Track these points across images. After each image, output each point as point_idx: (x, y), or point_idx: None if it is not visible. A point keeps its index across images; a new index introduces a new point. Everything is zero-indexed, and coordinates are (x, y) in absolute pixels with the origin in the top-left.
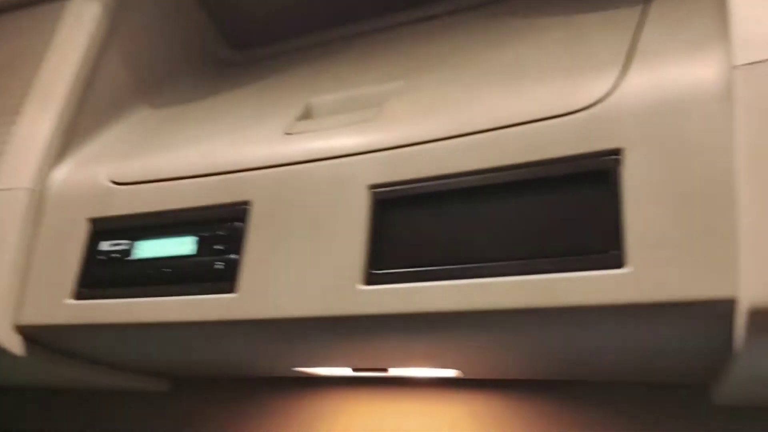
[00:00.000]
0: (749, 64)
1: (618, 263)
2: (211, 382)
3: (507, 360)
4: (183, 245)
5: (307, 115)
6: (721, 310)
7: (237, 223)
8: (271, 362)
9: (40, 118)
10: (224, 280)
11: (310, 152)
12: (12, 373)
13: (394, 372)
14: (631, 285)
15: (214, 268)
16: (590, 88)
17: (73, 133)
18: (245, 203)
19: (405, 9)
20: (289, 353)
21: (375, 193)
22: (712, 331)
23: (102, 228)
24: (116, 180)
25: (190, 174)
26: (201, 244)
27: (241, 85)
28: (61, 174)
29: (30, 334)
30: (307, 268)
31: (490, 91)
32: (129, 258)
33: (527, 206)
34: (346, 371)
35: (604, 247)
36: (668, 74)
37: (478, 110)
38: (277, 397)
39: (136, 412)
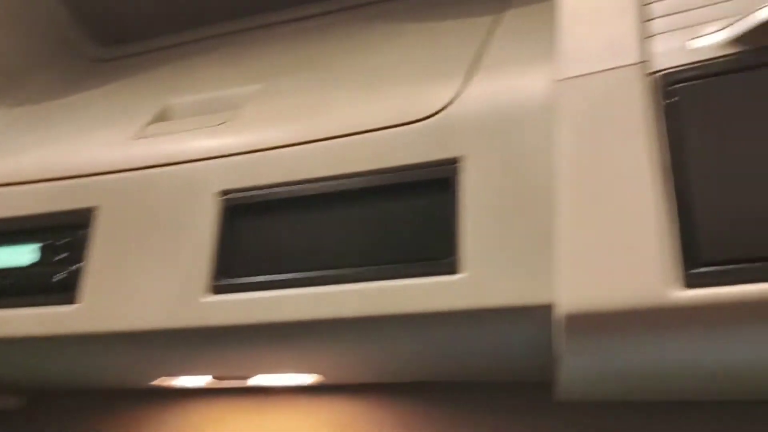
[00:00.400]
0: (569, 78)
1: (453, 270)
2: (69, 396)
3: (365, 364)
4: (24, 254)
5: (162, 117)
6: (543, 315)
7: (81, 231)
8: (126, 374)
9: None
10: (66, 291)
11: (160, 156)
12: None
13: (254, 381)
14: (464, 291)
15: (56, 278)
16: (434, 97)
17: None
18: (90, 209)
19: (273, 10)
20: (142, 365)
21: (225, 199)
22: (543, 333)
23: None
24: None
25: (34, 178)
26: (43, 253)
27: (103, 83)
28: None
29: None
30: (152, 278)
31: (345, 98)
32: None
33: (373, 214)
34: (206, 380)
35: (442, 254)
36: (506, 85)
37: (330, 117)
38: (138, 409)
39: None
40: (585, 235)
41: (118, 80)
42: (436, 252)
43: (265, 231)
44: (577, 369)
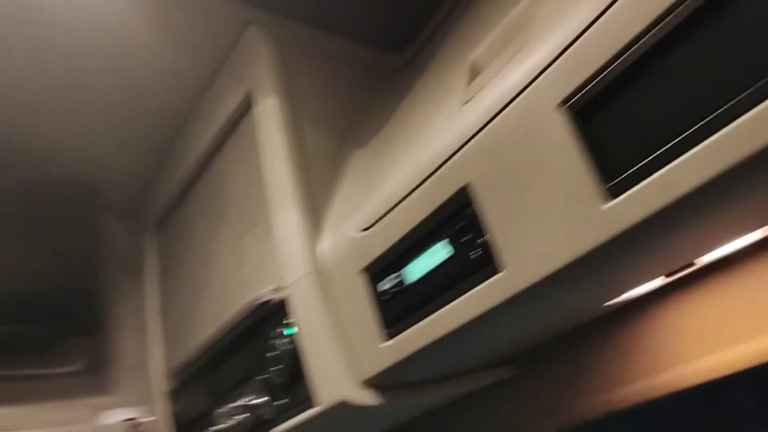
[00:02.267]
0: None
1: None
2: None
3: None
4: (438, 254)
5: (474, 74)
6: None
7: (468, 209)
8: (572, 314)
9: (287, 216)
10: (486, 265)
11: (489, 110)
12: (376, 424)
13: (704, 260)
14: None
15: (473, 258)
16: None
17: (316, 213)
18: (465, 187)
19: None
20: (582, 297)
21: (570, 106)
22: None
23: (374, 272)
24: (362, 228)
25: (411, 188)
26: (451, 244)
27: (409, 84)
28: (325, 247)
29: (374, 383)
30: (546, 214)
31: None
32: (406, 284)
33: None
34: (655, 283)
35: None
36: None
37: None
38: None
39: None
40: None
41: (420, 74)
42: None
43: (623, 113)
44: None
